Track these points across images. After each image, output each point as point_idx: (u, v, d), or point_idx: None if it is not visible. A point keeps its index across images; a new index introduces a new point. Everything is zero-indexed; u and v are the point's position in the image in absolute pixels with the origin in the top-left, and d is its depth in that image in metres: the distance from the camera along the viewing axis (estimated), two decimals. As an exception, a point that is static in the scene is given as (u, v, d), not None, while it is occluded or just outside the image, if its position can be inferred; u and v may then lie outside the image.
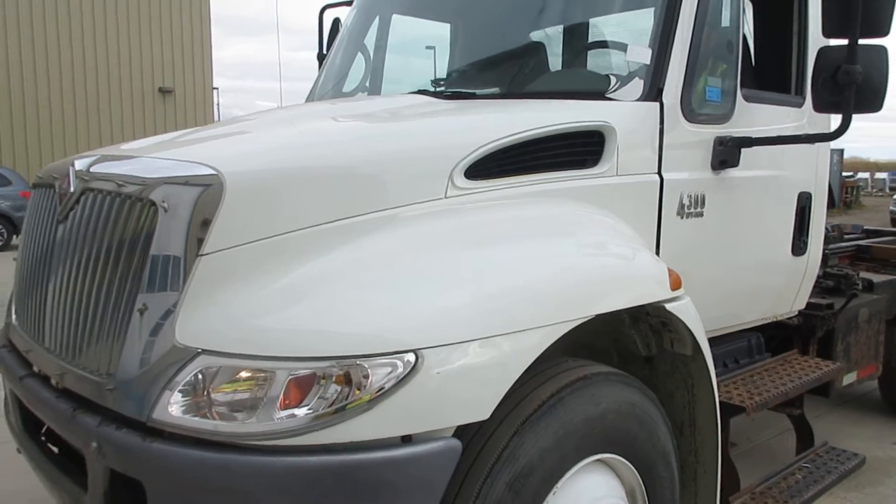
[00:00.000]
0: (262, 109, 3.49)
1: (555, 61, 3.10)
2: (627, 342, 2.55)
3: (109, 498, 1.86)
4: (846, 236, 5.30)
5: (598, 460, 2.14)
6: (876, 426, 4.82)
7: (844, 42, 2.40)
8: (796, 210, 3.23)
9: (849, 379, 3.85)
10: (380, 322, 1.75)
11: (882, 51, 2.41)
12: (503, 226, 2.17)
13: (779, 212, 3.20)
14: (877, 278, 4.18)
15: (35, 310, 2.28)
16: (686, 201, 2.72)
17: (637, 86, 2.61)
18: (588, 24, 3.03)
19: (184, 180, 1.89)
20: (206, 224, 1.81)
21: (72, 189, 2.16)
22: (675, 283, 2.31)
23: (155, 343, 1.80)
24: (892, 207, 24.44)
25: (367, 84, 3.57)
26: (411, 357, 1.70)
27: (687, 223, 2.72)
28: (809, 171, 3.29)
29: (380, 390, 1.67)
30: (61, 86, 21.87)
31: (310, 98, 3.69)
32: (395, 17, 3.67)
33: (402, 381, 1.69)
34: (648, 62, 2.61)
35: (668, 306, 2.29)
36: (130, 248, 1.91)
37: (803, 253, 3.31)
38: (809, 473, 3.13)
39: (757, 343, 3.43)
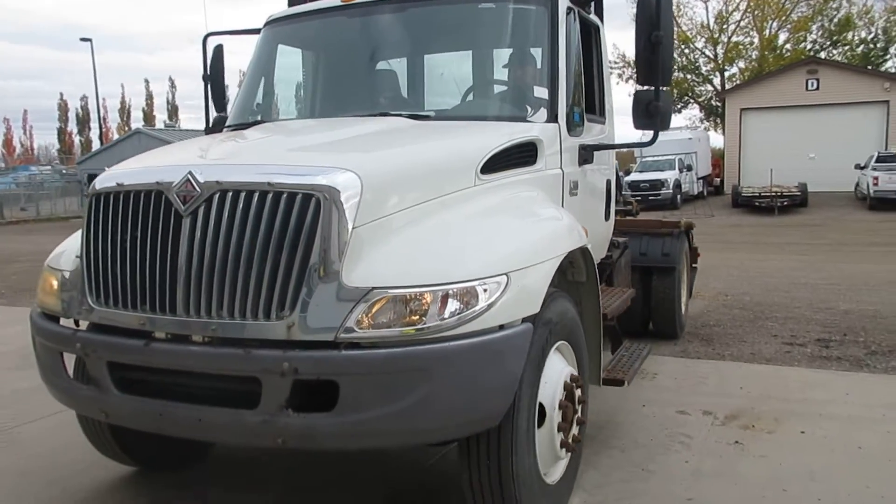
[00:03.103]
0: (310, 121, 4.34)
1: (479, 91, 4.42)
2: None
3: (288, 405, 2.62)
4: None
5: (557, 348, 3.28)
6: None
7: (651, 88, 3.76)
8: (606, 191, 4.85)
9: None
10: (484, 258, 2.82)
11: (668, 94, 3.84)
12: (520, 202, 3.48)
13: (602, 192, 4.79)
14: (621, 239, 5.82)
15: (160, 288, 2.83)
16: (571, 185, 4.13)
17: (543, 113, 3.93)
18: (509, 61, 4.21)
19: (339, 180, 2.72)
20: (354, 207, 2.71)
21: (198, 191, 2.77)
22: (586, 234, 3.61)
23: (330, 289, 2.64)
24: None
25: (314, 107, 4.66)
26: (504, 278, 2.76)
27: (572, 199, 4.12)
28: (610, 166, 5.00)
29: (492, 298, 2.70)
30: None
31: (242, 116, 4.46)
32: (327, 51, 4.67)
33: (502, 293, 2.73)
34: (547, 97, 3.94)
35: (588, 247, 3.60)
36: (297, 228, 2.67)
37: (609, 219, 5.03)
38: (628, 358, 4.60)
39: None
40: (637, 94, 3.82)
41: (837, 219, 22.31)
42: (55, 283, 3.28)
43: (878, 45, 43.54)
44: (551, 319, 3.11)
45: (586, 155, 4.22)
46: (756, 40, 44.21)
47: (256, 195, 2.71)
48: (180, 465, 3.95)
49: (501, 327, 2.75)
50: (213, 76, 4.82)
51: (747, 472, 3.79)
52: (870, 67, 37.35)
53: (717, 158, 33.80)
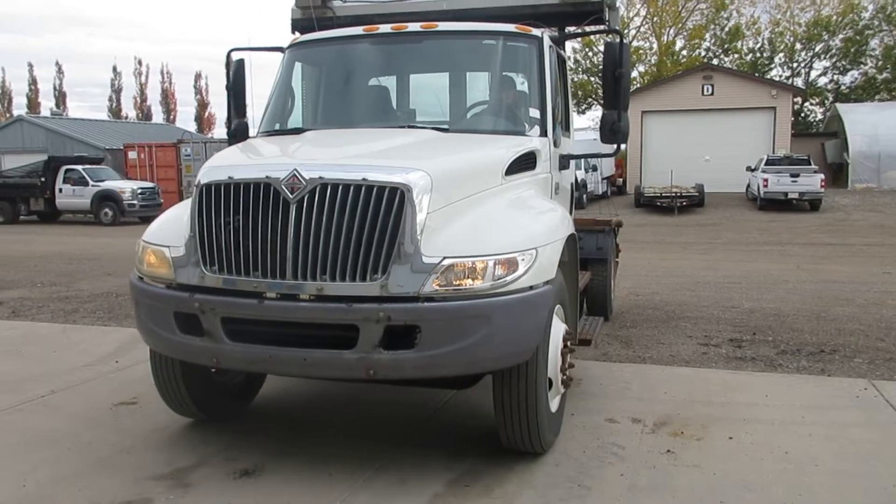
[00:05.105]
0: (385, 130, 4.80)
1: (486, 110, 5.15)
2: None
3: (380, 344, 3.38)
4: None
5: (555, 310, 4.06)
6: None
7: (614, 111, 4.76)
8: (571, 192, 5.82)
9: None
10: (520, 237, 3.71)
11: (627, 117, 4.82)
12: (528, 197, 4.35)
13: (568, 192, 5.75)
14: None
15: (271, 259, 3.53)
16: (555, 187, 5.10)
17: (537, 128, 4.82)
18: (508, 87, 5.12)
19: (416, 178, 3.54)
20: (427, 198, 3.54)
21: (303, 184, 3.50)
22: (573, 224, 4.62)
23: (412, 258, 3.44)
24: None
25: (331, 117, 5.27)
26: (534, 251, 3.64)
27: (557, 196, 5.09)
28: (573, 171, 5.88)
29: (527, 266, 3.58)
30: None
31: (273, 124, 5.10)
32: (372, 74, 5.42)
33: (533, 262, 3.61)
34: (539, 116, 4.84)
35: (576, 234, 4.66)
36: (386, 213, 3.46)
37: (571, 214, 5.69)
38: (590, 326, 5.86)
39: None
40: (604, 116, 4.86)
41: (732, 218, 23.46)
42: (158, 257, 3.93)
43: (765, 55, 46.43)
44: (557, 285, 3.91)
45: (564, 163, 5.23)
46: (655, 46, 46.07)
47: (352, 188, 3.47)
48: (233, 414, 4.77)
49: (531, 287, 3.60)
50: (235, 87, 5.39)
51: (683, 485, 3.71)
52: (757, 75, 39.64)
53: (620, 159, 34.88)
